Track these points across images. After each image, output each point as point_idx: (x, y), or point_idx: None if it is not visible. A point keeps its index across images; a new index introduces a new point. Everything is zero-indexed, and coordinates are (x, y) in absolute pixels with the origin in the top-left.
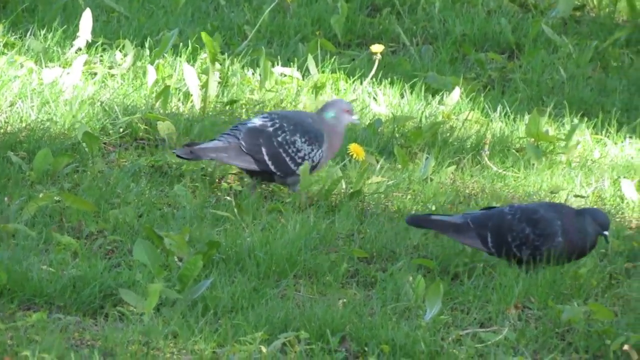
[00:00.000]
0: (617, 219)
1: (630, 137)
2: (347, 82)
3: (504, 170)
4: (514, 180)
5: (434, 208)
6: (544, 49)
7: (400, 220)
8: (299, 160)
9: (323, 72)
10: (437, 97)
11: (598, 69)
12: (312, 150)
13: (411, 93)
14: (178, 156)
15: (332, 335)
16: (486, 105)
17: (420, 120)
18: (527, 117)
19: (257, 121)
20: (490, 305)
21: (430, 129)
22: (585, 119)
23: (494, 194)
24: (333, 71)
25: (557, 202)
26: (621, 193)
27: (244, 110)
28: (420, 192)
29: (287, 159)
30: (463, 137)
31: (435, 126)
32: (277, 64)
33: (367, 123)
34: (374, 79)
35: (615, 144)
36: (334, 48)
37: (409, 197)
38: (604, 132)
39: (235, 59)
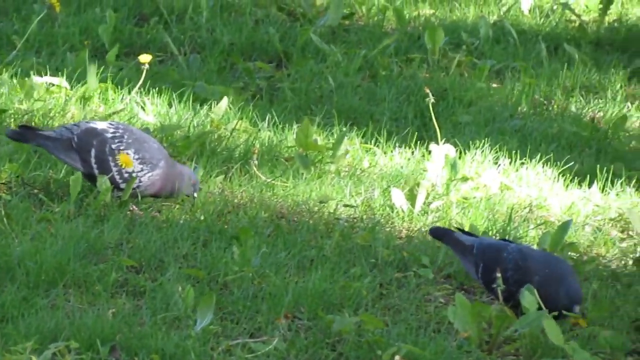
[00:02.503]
0: (387, 229)
1: (400, 147)
2: (115, 92)
3: (272, 180)
4: (283, 190)
5: (202, 217)
6: (312, 57)
7: (168, 229)
8: (126, 175)
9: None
10: (206, 107)
11: (367, 78)
12: (142, 170)
13: (179, 102)
14: (7, 136)
15: (102, 345)
16: (254, 115)
17: (189, 129)
18: (295, 126)
19: (100, 124)
20: (260, 315)
21: (199, 139)
22: (355, 128)
23: (263, 204)
24: (101, 81)
25: (558, 255)
26: (391, 202)
27: (12, 120)
28: (189, 201)
29: (115, 169)
30: (231, 147)
31: (203, 136)
32: (46, 74)
33: None
34: (142, 89)
35: (385, 153)
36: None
37: (177, 207)
38: (373, 141)
39: (4, 69)
